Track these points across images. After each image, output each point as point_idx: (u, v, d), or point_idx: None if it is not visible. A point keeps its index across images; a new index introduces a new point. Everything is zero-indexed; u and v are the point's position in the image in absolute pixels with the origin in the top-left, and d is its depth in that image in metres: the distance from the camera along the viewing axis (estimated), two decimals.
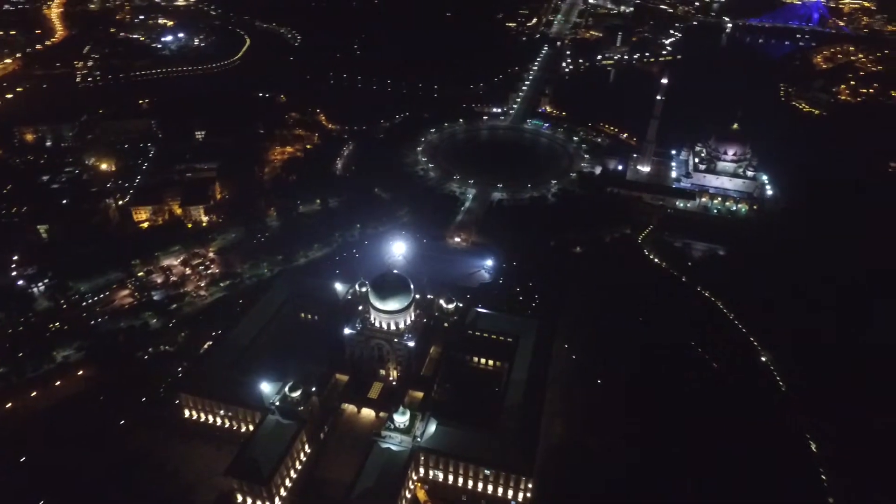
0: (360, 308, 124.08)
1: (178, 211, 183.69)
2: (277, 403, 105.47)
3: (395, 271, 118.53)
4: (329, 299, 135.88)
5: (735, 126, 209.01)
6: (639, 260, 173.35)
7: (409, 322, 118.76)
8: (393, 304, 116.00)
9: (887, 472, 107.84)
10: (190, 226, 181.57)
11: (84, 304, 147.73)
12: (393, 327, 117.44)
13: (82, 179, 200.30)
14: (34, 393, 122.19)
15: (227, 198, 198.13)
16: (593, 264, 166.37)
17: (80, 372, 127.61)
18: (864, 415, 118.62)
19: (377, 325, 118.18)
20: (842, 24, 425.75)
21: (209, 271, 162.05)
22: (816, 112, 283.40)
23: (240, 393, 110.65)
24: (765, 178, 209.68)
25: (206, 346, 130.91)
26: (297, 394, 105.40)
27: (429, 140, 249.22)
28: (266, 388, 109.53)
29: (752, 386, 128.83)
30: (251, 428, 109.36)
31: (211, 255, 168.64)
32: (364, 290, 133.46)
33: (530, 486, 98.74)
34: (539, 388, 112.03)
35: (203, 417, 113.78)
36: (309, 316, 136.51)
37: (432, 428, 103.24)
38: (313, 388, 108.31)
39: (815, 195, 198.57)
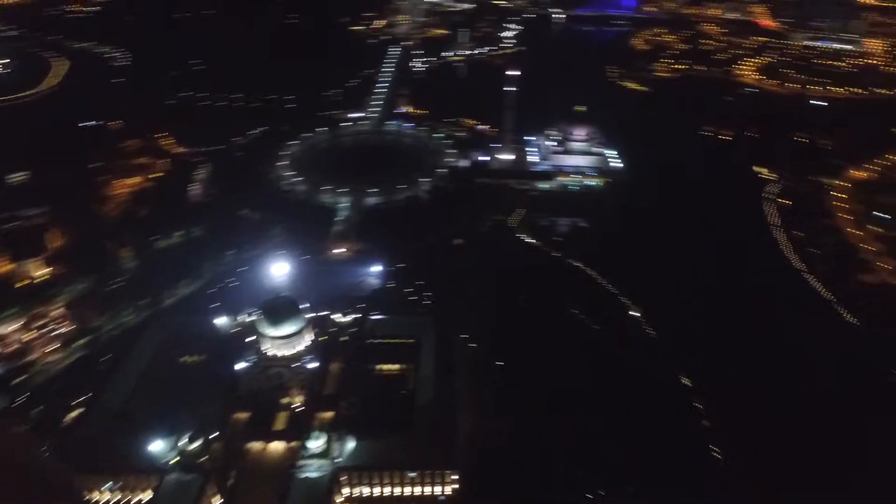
0: (251, 339, 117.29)
1: (9, 269, 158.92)
2: (175, 459, 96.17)
3: (283, 294, 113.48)
4: (212, 336, 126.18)
5: (580, 108, 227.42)
6: (514, 243, 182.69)
7: (306, 344, 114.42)
8: (287, 329, 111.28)
9: (754, 397, 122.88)
10: (23, 284, 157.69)
11: None
12: (290, 352, 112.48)
13: None
14: None
15: (67, 244, 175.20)
16: (474, 253, 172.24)
17: None
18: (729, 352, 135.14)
19: (272, 353, 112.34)
20: (653, 9, 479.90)
21: (58, 331, 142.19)
22: (643, 89, 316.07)
23: (127, 458, 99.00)
24: (613, 152, 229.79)
25: (70, 417, 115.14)
26: (195, 444, 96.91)
27: (291, 153, 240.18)
28: (157, 446, 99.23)
29: (629, 340, 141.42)
30: (146, 496, 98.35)
31: (57, 312, 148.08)
32: (251, 319, 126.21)
33: (455, 478, 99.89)
34: (447, 382, 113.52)
35: (85, 495, 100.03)
36: (192, 358, 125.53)
37: (350, 445, 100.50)
38: (213, 435, 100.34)
39: (654, 162, 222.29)
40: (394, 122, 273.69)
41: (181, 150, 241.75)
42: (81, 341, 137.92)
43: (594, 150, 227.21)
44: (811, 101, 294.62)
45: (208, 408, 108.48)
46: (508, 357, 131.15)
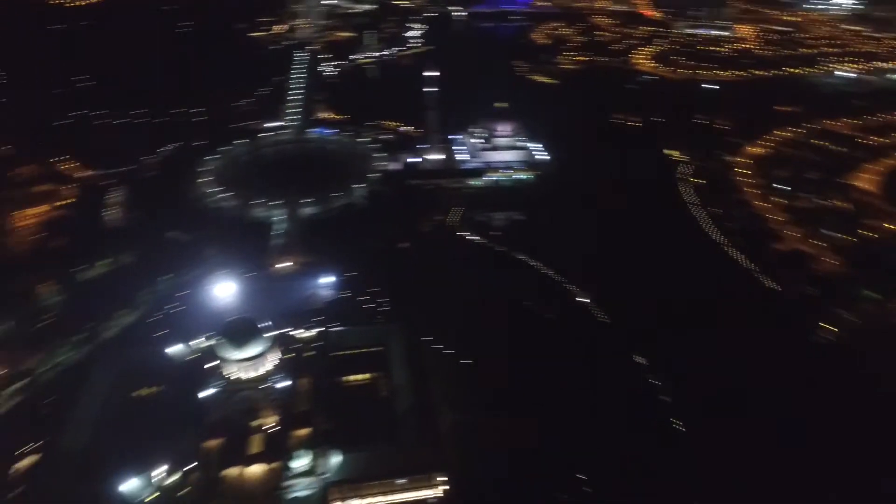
0: (213, 364, 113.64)
1: None
2: (155, 495, 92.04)
3: (242, 315, 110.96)
4: (168, 365, 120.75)
5: (501, 104, 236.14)
6: (458, 241, 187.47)
7: (272, 363, 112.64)
8: (251, 350, 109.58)
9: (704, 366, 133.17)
10: None
11: None
12: (256, 373, 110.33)
13: None
14: None
15: None
16: (421, 255, 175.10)
17: None
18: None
19: (237, 376, 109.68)
20: (546, 4, 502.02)
21: None
22: (550, 81, 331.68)
23: (100, 502, 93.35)
24: (536, 145, 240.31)
25: (21, 467, 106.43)
26: (174, 478, 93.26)
27: (211, 168, 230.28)
28: (131, 484, 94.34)
29: (581, 326, 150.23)
30: None
31: None
32: (208, 344, 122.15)
33: (443, 479, 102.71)
34: (422, 386, 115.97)
35: None
36: (148, 390, 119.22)
37: (337, 459, 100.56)
38: (192, 465, 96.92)
39: (575, 149, 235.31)
40: (315, 129, 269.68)
41: (86, 173, 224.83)
42: (16, 386, 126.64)
43: (520, 144, 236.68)
44: (703, 85, 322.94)
45: (176, 439, 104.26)
46: (474, 354, 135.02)
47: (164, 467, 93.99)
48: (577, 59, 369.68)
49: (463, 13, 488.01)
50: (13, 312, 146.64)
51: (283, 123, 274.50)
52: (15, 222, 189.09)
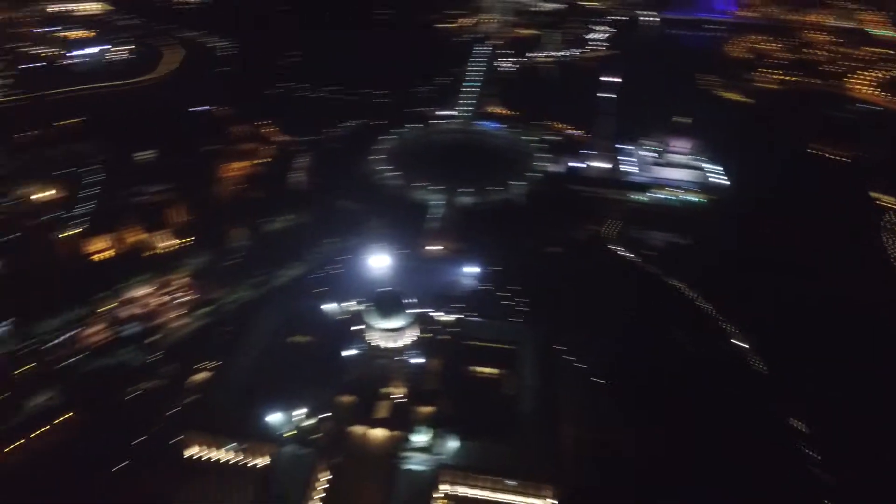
0: (359, 328, 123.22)
1: (140, 238, 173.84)
2: (291, 433, 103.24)
3: (392, 288, 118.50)
4: (321, 320, 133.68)
5: (682, 119, 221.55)
6: (609, 255, 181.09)
7: (410, 338, 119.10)
8: (395, 322, 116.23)
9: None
10: (154, 253, 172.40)
11: (49, 345, 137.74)
12: (395, 345, 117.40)
13: (18, 211, 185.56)
14: (10, 448, 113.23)
15: (189, 220, 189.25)
16: (569, 262, 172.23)
17: (61, 419, 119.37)
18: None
19: (379, 344, 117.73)
20: (751, 14, 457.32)
21: (183, 299, 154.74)
22: (742, 99, 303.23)
23: (247, 426, 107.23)
24: (713, 167, 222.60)
25: (196, 379, 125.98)
26: (310, 422, 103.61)
27: (384, 148, 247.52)
28: (274, 418, 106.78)
29: (734, 371, 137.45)
30: (263, 461, 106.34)
31: (182, 281, 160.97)
32: (358, 308, 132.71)
33: (553, 492, 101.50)
34: (550, 393, 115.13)
35: (210, 455, 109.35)
36: (301, 339, 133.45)
37: (453, 444, 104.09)
38: (325, 415, 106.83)
39: (760, 180, 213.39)
40: (484, 121, 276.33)
41: (283, 138, 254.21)
42: (204, 310, 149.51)
43: (695, 163, 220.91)
44: None
45: (318, 388, 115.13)
46: (607, 375, 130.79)
47: (304, 410, 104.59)
48: (779, 77, 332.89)
49: (655, 18, 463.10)
50: (210, 249, 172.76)
51: (454, 113, 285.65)
52: (224, 172, 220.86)
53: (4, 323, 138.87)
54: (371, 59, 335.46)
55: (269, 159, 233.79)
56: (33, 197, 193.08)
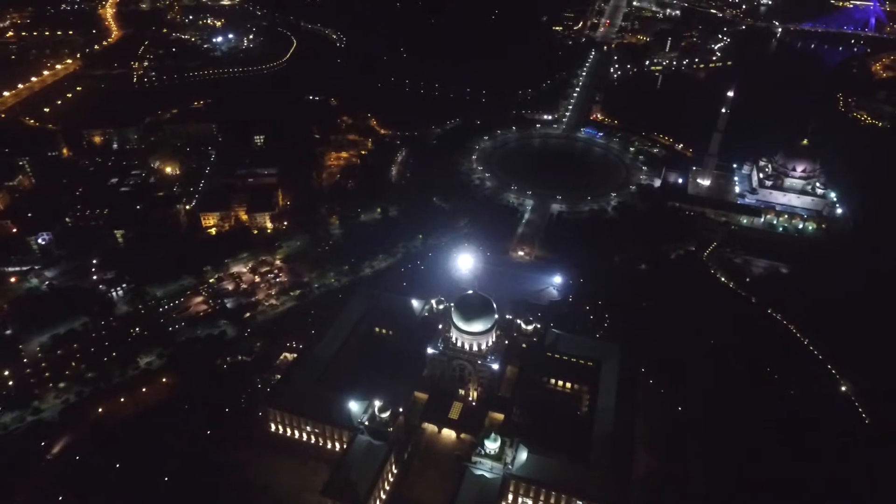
0: (441, 327, 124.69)
1: (244, 217, 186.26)
2: (366, 423, 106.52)
3: (477, 291, 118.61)
4: (405, 315, 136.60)
5: (804, 141, 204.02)
6: (704, 278, 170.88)
7: (491, 343, 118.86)
8: (477, 326, 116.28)
9: None
10: (255, 232, 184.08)
11: (161, 309, 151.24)
12: (476, 348, 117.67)
13: (149, 183, 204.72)
14: (122, 399, 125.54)
15: (290, 204, 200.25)
16: (660, 282, 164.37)
17: (164, 379, 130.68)
18: None
19: (460, 345, 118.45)
20: None
21: (278, 280, 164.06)
22: (879, 124, 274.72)
23: (327, 410, 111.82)
24: (833, 195, 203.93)
25: (285, 359, 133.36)
26: (386, 414, 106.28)
27: (482, 148, 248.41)
28: (353, 406, 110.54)
29: (832, 417, 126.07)
30: (339, 446, 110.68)
31: (278, 262, 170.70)
32: (440, 307, 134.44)
33: None
34: (629, 417, 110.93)
35: (290, 432, 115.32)
36: (383, 331, 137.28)
37: (523, 455, 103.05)
38: (400, 409, 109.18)
39: (885, 213, 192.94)
40: (585, 129, 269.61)
41: (384, 131, 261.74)
42: (294, 293, 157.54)
43: (815, 190, 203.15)
44: None
45: (395, 381, 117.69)
46: (689, 404, 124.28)
47: (380, 403, 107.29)
48: None
49: (779, 28, 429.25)
50: (305, 233, 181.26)
51: (556, 117, 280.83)
52: (327, 160, 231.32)
53: (122, 286, 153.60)
54: (482, 57, 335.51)
55: (370, 151, 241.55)
56: (163, 170, 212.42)
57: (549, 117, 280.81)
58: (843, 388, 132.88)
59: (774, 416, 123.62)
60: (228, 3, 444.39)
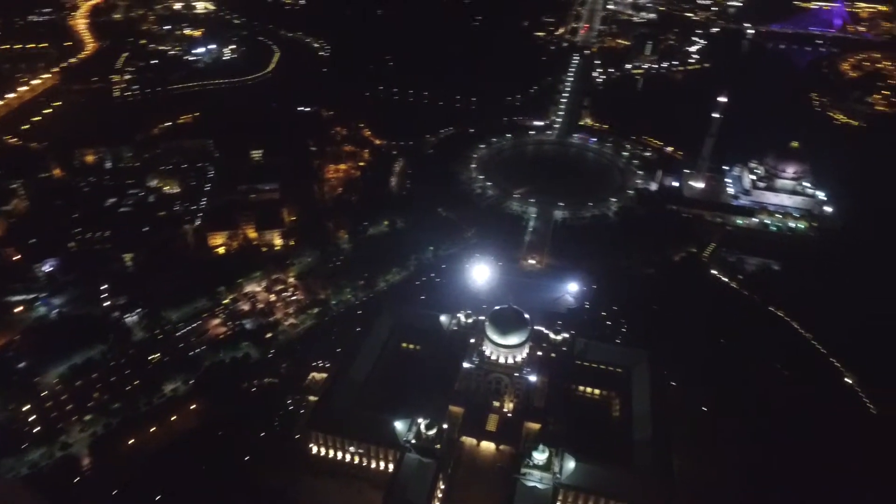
0: (473, 341, 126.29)
1: (253, 235, 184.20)
2: (413, 441, 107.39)
3: (511, 305, 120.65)
4: (432, 329, 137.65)
5: (795, 143, 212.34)
6: (706, 279, 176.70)
7: (525, 355, 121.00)
8: (512, 339, 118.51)
9: None
10: (264, 250, 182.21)
11: (178, 334, 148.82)
12: (511, 361, 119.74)
13: (148, 202, 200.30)
14: (153, 429, 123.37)
15: (294, 220, 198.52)
16: (668, 285, 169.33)
17: (192, 406, 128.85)
18: None
19: (495, 358, 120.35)
20: (862, 29, 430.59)
21: (293, 298, 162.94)
22: (855, 123, 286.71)
23: (370, 430, 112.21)
24: (822, 194, 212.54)
25: (313, 379, 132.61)
26: (433, 431, 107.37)
27: (479, 156, 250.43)
28: (398, 425, 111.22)
29: (841, 408, 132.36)
30: (384, 466, 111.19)
31: (291, 280, 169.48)
32: (469, 320, 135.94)
33: None
34: (660, 420, 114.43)
35: (332, 454, 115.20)
36: (411, 346, 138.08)
37: (570, 464, 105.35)
38: (444, 425, 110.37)
39: (871, 209, 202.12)
40: (577, 134, 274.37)
41: (379, 141, 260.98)
42: (312, 311, 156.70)
43: (805, 189, 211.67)
44: None
45: (431, 397, 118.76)
46: (714, 404, 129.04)
47: (425, 420, 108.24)
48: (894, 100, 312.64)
49: (750, 30, 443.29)
50: (314, 249, 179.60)
51: (548, 123, 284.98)
52: (326, 173, 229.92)
53: (136, 311, 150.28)
54: (466, 65, 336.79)
55: (368, 162, 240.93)
56: (161, 188, 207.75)
57: (541, 123, 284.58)
58: (848, 381, 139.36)
59: (787, 411, 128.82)
60: (203, 11, 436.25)
